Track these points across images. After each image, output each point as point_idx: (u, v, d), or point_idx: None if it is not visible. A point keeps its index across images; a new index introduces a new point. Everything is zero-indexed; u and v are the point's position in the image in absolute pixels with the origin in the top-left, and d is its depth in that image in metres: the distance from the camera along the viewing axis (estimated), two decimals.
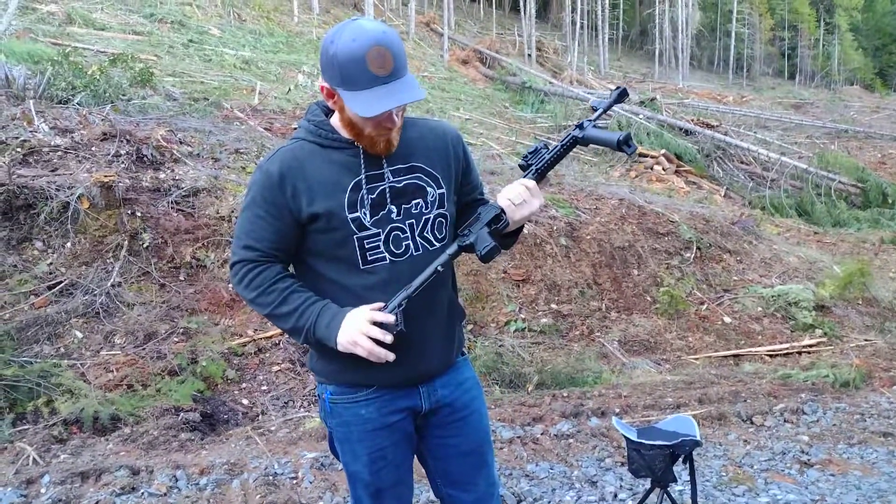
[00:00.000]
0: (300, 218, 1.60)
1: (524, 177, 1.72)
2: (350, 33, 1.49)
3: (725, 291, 7.15)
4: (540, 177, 1.73)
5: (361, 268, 1.64)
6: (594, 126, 1.70)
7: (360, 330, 1.55)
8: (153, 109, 8.24)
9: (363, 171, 1.62)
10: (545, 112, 16.84)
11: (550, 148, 1.74)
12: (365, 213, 1.62)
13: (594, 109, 1.76)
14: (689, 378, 5.32)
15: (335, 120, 1.66)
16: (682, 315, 6.61)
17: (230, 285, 5.32)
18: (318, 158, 1.62)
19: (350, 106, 1.53)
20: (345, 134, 1.64)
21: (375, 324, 1.56)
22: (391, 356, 1.57)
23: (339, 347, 1.58)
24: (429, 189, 1.69)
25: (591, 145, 1.79)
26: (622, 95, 1.70)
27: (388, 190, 1.64)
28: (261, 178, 1.62)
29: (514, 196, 1.68)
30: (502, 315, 6.02)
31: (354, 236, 1.62)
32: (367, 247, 1.64)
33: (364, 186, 1.62)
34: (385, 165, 1.65)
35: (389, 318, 1.57)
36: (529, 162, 1.74)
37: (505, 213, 1.69)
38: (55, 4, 13.56)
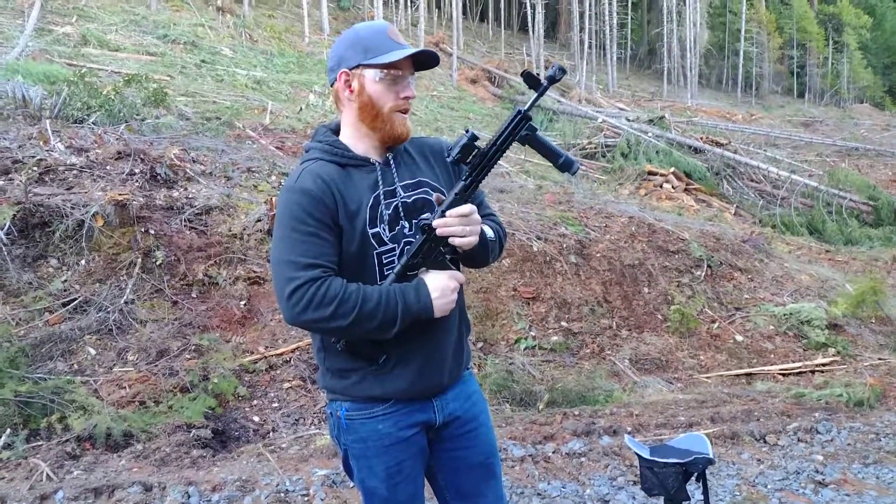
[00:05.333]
0: (339, 230, 1.62)
1: (455, 193, 1.63)
2: (366, 23, 1.72)
3: (737, 310, 7.11)
4: (475, 187, 1.64)
5: (378, 282, 1.66)
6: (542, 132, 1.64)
7: (453, 296, 1.65)
8: (166, 129, 8.36)
9: (381, 186, 1.67)
10: (554, 130, 16.91)
11: (488, 148, 1.62)
12: (384, 229, 1.66)
13: (535, 82, 1.58)
14: (701, 397, 5.29)
15: (345, 137, 1.71)
16: (693, 333, 6.57)
17: (241, 302, 5.35)
18: (342, 176, 1.66)
19: (374, 68, 1.63)
20: (358, 151, 1.69)
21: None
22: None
23: (436, 313, 1.63)
24: (436, 203, 1.72)
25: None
26: (553, 78, 1.56)
27: (400, 205, 1.69)
28: (300, 198, 1.60)
29: (454, 232, 1.61)
30: (512, 333, 6.02)
31: (375, 251, 1.66)
32: (384, 262, 1.67)
33: (382, 201, 1.66)
34: (397, 181, 1.69)
35: (462, 278, 1.69)
36: (461, 159, 1.61)
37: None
38: (71, 26, 13.82)
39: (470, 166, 1.62)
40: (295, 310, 1.56)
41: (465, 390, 1.86)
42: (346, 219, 1.63)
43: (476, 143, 1.60)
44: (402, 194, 1.70)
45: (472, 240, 1.62)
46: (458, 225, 1.59)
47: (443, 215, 1.61)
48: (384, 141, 1.70)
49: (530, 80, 1.57)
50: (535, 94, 1.60)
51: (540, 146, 1.64)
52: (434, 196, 1.68)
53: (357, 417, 1.75)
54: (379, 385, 1.71)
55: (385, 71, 1.63)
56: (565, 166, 1.64)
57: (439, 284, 1.62)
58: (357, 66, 1.64)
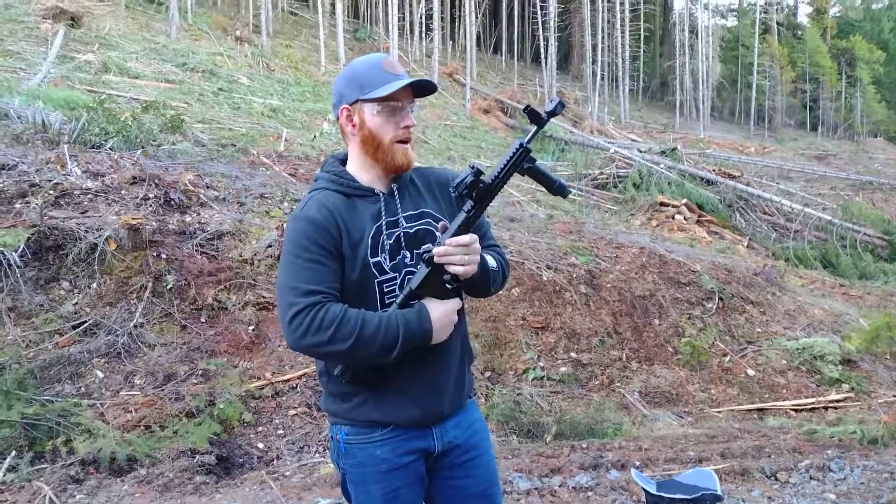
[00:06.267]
0: (342, 258, 1.66)
1: (459, 223, 1.64)
2: (363, 57, 1.75)
3: (749, 343, 7.03)
4: (476, 217, 1.67)
5: (379, 311, 1.68)
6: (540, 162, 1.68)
7: (451, 324, 1.69)
8: (182, 154, 8.47)
9: (383, 216, 1.70)
10: (565, 160, 16.98)
11: (492, 181, 1.65)
12: (385, 258, 1.69)
13: (538, 117, 1.63)
14: (711, 431, 5.21)
15: (352, 167, 1.76)
16: (704, 366, 6.50)
17: (250, 327, 5.36)
18: (345, 206, 1.70)
19: (371, 102, 1.67)
20: (363, 181, 1.73)
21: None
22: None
23: (434, 340, 1.66)
24: (437, 234, 1.74)
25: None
26: (556, 110, 1.61)
27: (402, 236, 1.72)
28: (305, 226, 1.65)
29: (453, 261, 1.62)
30: (521, 363, 5.98)
31: (376, 280, 1.69)
32: (385, 290, 1.70)
33: (384, 231, 1.70)
34: (399, 212, 1.73)
35: (459, 305, 1.72)
36: (466, 194, 1.63)
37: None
38: (92, 54, 14.12)
39: (474, 199, 1.64)
40: (295, 335, 1.58)
41: (466, 419, 1.86)
42: (349, 247, 1.67)
43: (481, 178, 1.63)
44: (405, 224, 1.73)
45: (471, 269, 1.63)
46: (458, 254, 1.61)
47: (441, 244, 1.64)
48: (388, 171, 1.74)
49: (533, 115, 1.62)
50: (535, 128, 1.64)
51: (539, 175, 1.68)
52: (439, 224, 1.70)
53: (356, 442, 1.76)
54: (378, 410, 1.71)
55: (382, 104, 1.68)
56: (559, 191, 1.71)
57: (440, 312, 1.65)
58: (356, 102, 1.69)
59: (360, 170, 1.75)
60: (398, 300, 1.66)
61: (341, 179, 1.73)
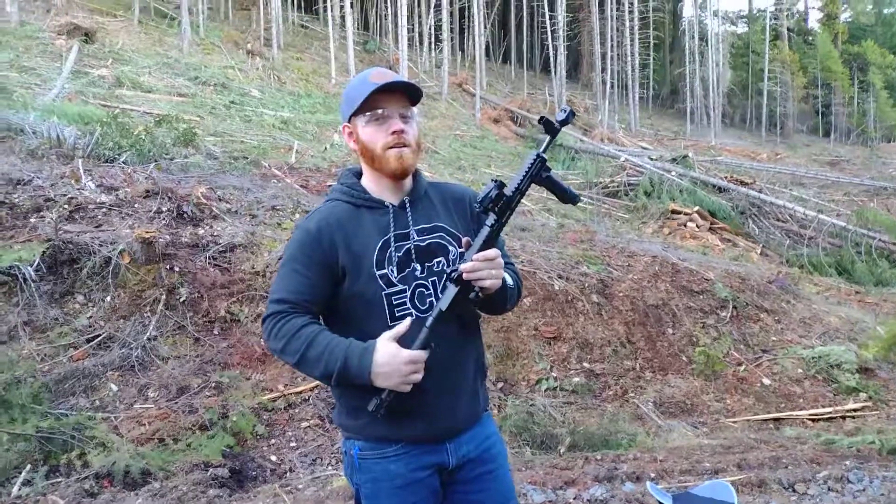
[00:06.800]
0: (335, 271, 1.69)
1: (484, 238, 1.66)
2: (358, 74, 1.82)
3: (764, 352, 6.96)
4: (499, 231, 1.69)
5: (390, 324, 1.68)
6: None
7: (402, 374, 1.58)
8: (194, 168, 8.54)
9: (392, 230, 1.71)
10: (576, 169, 16.97)
11: (513, 194, 1.68)
12: (392, 270, 1.70)
13: (552, 127, 1.68)
14: (727, 442, 5.15)
15: (365, 181, 1.79)
16: (719, 376, 6.44)
17: (262, 340, 5.37)
18: (352, 218, 1.73)
19: (360, 115, 1.71)
20: (375, 194, 1.75)
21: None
22: (407, 388, 1.61)
23: (375, 383, 1.60)
24: (450, 248, 1.76)
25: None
26: (568, 119, 1.66)
27: (412, 248, 1.73)
28: (300, 236, 1.73)
29: (481, 276, 1.63)
30: (533, 373, 5.95)
31: (383, 293, 1.70)
32: (394, 303, 1.70)
33: (392, 244, 1.71)
34: (411, 224, 1.73)
35: (422, 357, 1.61)
36: (490, 208, 1.65)
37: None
38: (106, 69, 14.31)
39: (498, 213, 1.67)
40: (264, 336, 1.71)
41: (481, 432, 1.85)
42: (348, 260, 1.69)
43: (503, 192, 1.66)
44: (416, 237, 1.74)
45: (498, 283, 1.67)
46: (485, 269, 1.63)
47: (467, 261, 1.65)
48: (391, 178, 1.75)
49: (548, 125, 1.67)
50: (549, 138, 1.69)
51: (552, 185, 1.73)
52: (463, 241, 1.71)
53: (370, 457, 1.76)
54: (389, 427, 1.71)
55: (369, 115, 1.71)
56: (570, 199, 1.77)
57: (386, 358, 1.59)
58: (351, 118, 1.75)
59: (372, 182, 1.78)
60: (428, 323, 1.64)
61: (352, 191, 1.77)
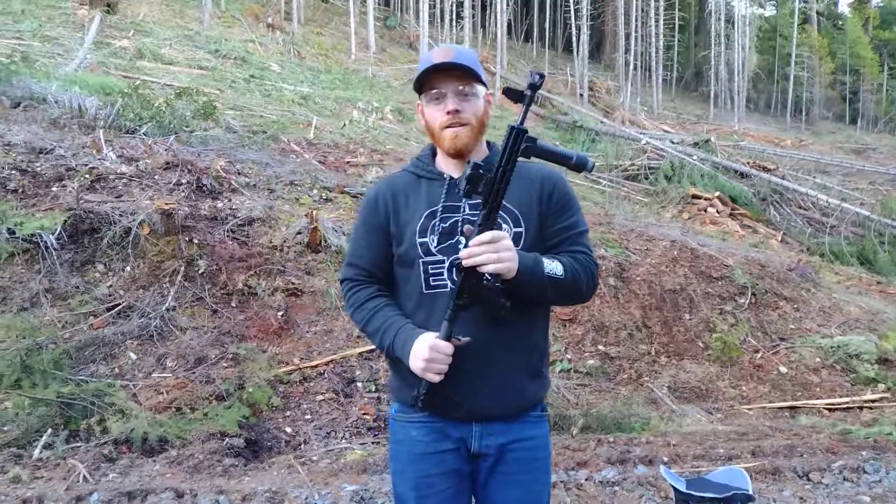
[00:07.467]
0: (388, 235, 1.78)
1: (479, 224, 1.59)
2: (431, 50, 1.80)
3: (781, 340, 6.90)
4: (494, 213, 1.60)
5: (424, 292, 1.72)
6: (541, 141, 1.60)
7: (421, 358, 1.61)
8: (214, 141, 8.56)
9: (442, 201, 1.73)
10: (596, 151, 16.79)
11: (495, 174, 1.57)
12: (433, 240, 1.71)
13: (519, 95, 1.57)
14: (741, 429, 5.13)
15: (438, 155, 1.83)
16: (735, 363, 6.39)
17: (279, 313, 5.41)
18: (412, 187, 1.80)
19: (423, 94, 1.74)
20: (442, 168, 1.79)
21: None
22: (436, 378, 1.63)
23: (412, 368, 1.65)
24: (504, 226, 1.69)
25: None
26: (535, 85, 1.53)
27: (460, 221, 1.71)
28: (363, 203, 1.86)
29: (480, 260, 1.57)
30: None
31: (420, 260, 1.72)
32: (430, 272, 1.71)
33: (438, 215, 1.72)
34: (464, 198, 1.69)
35: (441, 346, 1.60)
36: (471, 191, 1.55)
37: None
38: (127, 40, 14.33)
39: (483, 195, 1.58)
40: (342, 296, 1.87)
41: (522, 431, 1.77)
42: (396, 225, 1.76)
43: (481, 172, 1.56)
44: (468, 211, 1.72)
45: (505, 266, 1.56)
46: (484, 253, 1.56)
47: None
48: (450, 156, 1.76)
49: (514, 94, 1.58)
50: (524, 108, 1.58)
51: (546, 154, 1.62)
52: (465, 228, 1.69)
53: (400, 419, 1.82)
54: (409, 392, 1.71)
55: (428, 94, 1.74)
56: (579, 166, 1.63)
57: (419, 350, 1.62)
58: (420, 98, 1.79)
59: (440, 157, 1.82)
60: (446, 315, 1.62)
61: (419, 162, 1.84)
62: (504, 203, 1.66)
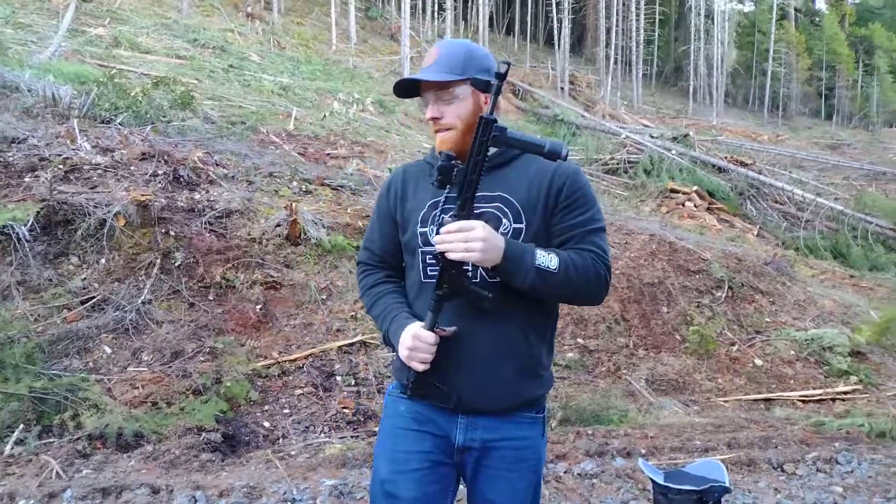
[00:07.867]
0: (396, 222, 1.83)
1: (452, 214, 1.59)
2: None
3: (757, 333, 6.99)
4: (469, 204, 1.59)
5: (423, 281, 1.74)
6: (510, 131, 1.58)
7: (405, 347, 1.67)
8: (192, 131, 8.44)
9: (447, 192, 1.71)
10: (577, 144, 16.85)
11: (467, 164, 1.57)
12: (433, 231, 1.69)
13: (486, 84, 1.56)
14: (718, 421, 5.19)
15: None
16: (711, 355, 6.47)
17: (257, 306, 5.36)
18: (423, 176, 1.82)
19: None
20: None
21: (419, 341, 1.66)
22: (420, 367, 1.66)
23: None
24: (504, 220, 1.67)
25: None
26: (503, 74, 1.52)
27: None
28: (381, 188, 1.91)
29: (448, 248, 1.57)
30: None
31: (420, 249, 1.74)
32: (428, 262, 1.73)
33: (440, 206, 1.71)
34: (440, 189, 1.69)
35: (424, 336, 1.64)
36: (444, 181, 1.56)
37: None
38: (103, 28, 14.06)
39: (458, 186, 1.58)
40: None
41: (512, 430, 1.73)
42: (401, 214, 1.81)
43: (454, 163, 1.56)
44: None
45: (472, 255, 1.54)
46: (453, 241, 1.55)
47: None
48: None
49: (480, 84, 1.56)
50: (492, 96, 1.56)
51: (517, 143, 1.58)
52: (446, 218, 1.65)
53: (393, 394, 1.85)
54: (400, 374, 1.76)
55: (420, 100, 1.81)
56: (553, 154, 1.56)
57: (405, 339, 1.68)
58: None
59: None
60: (430, 306, 1.64)
61: (434, 151, 1.83)
62: (507, 197, 1.68)
